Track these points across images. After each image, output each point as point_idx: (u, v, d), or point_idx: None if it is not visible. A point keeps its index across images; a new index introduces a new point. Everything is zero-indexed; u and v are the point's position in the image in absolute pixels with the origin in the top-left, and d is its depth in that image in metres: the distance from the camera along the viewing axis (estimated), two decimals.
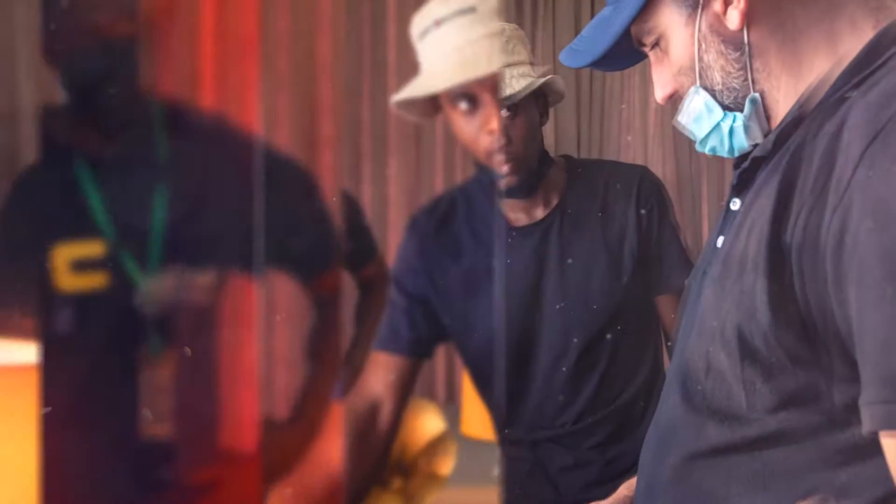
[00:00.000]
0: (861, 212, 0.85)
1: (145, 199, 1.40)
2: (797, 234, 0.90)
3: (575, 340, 1.59)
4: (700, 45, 1.00)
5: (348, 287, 1.77)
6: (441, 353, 2.33)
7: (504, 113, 1.52)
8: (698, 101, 1.02)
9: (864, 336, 0.85)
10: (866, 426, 0.86)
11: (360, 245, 1.84)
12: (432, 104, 1.53)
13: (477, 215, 1.61)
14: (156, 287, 1.41)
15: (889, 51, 0.94)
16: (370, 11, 2.21)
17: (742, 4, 0.97)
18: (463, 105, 1.48)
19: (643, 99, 1.99)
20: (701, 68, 1.01)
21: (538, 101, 1.58)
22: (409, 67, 1.56)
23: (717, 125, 1.02)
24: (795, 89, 0.99)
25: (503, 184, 1.56)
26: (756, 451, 0.95)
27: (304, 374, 1.49)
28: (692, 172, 2.04)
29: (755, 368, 0.93)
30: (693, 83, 1.02)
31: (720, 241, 1.01)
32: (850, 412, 0.89)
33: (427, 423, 2.08)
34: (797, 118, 0.97)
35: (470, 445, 2.09)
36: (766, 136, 1.01)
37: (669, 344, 1.49)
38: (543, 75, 1.56)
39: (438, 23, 1.47)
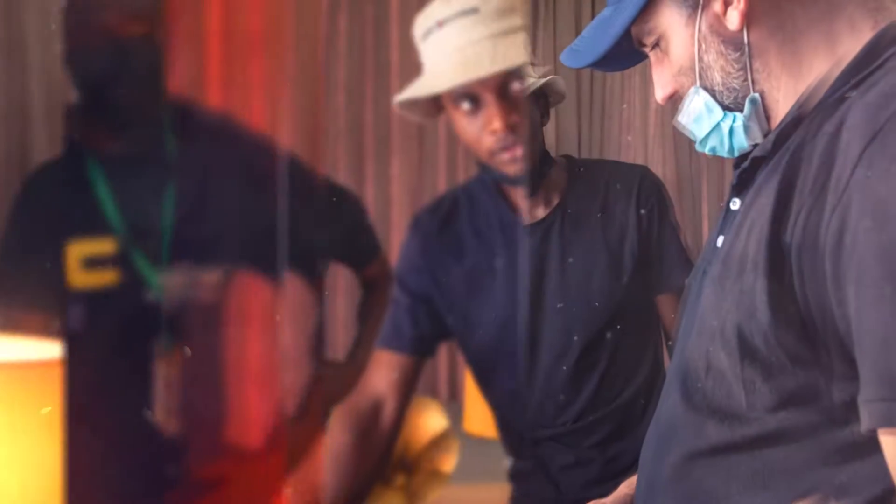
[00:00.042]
0: (860, 211, 0.85)
1: (156, 197, 1.40)
2: (797, 233, 0.90)
3: (576, 339, 1.57)
4: (700, 46, 1.00)
5: (352, 286, 1.80)
6: (444, 352, 2.34)
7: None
8: (698, 101, 1.02)
9: (863, 335, 0.85)
10: (865, 424, 0.86)
11: (364, 245, 1.85)
12: (435, 104, 1.53)
13: (480, 214, 1.61)
14: (168, 283, 1.42)
15: (888, 51, 0.94)
16: (373, 13, 2.22)
17: (742, 5, 0.97)
18: (465, 105, 1.47)
19: (643, 99, 1.99)
20: (701, 68, 1.01)
21: (539, 101, 1.55)
22: (412, 68, 1.56)
23: (717, 125, 1.02)
24: (795, 90, 0.98)
25: (514, 170, 1.52)
26: (756, 450, 0.95)
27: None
28: (692, 172, 2.04)
29: (755, 368, 0.93)
30: (693, 83, 1.02)
31: (720, 240, 1.01)
32: (849, 410, 0.88)
33: (430, 420, 2.08)
34: (796, 118, 0.97)
35: (472, 442, 2.09)
36: (765, 136, 1.00)
37: (670, 343, 1.48)
38: (544, 76, 1.54)
39: (441, 24, 1.47)
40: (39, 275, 1.44)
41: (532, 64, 1.54)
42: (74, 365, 1.23)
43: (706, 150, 1.05)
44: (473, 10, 1.45)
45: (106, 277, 1.41)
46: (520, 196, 1.58)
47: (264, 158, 1.53)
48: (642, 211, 1.56)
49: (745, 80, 0.99)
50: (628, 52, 1.08)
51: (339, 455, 1.62)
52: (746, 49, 0.98)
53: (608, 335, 1.57)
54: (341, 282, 1.97)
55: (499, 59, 1.43)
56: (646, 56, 1.08)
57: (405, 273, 1.63)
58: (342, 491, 1.60)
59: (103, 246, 1.41)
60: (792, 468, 0.93)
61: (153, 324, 1.45)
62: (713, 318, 0.96)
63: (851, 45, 0.96)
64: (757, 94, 0.99)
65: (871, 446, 0.87)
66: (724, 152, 1.04)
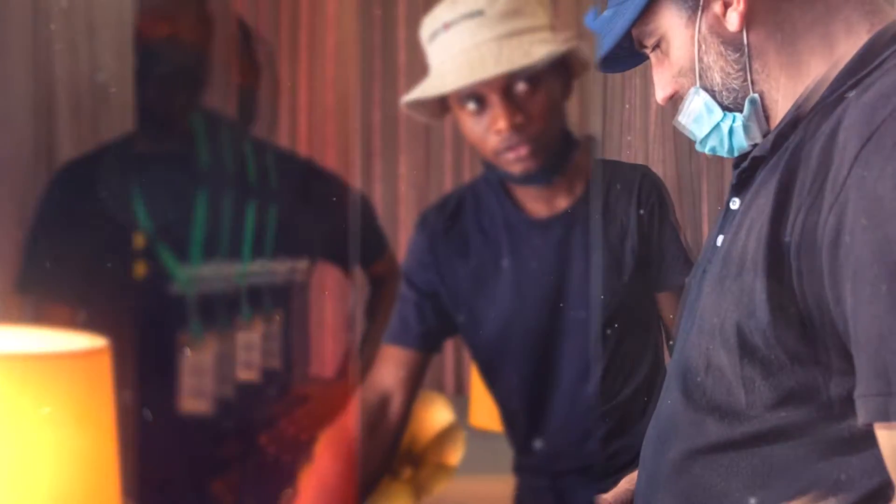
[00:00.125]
0: (856, 210, 0.85)
1: (184, 196, 1.46)
2: (796, 232, 0.89)
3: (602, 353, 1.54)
4: (700, 47, 1.00)
5: (360, 283, 1.82)
6: (450, 346, 2.33)
7: (522, 86, 1.44)
8: (698, 101, 1.01)
9: (859, 331, 0.85)
10: (861, 418, 0.86)
11: (371, 242, 1.86)
12: (441, 105, 1.53)
13: (485, 213, 1.60)
14: (198, 275, 1.49)
15: (884, 53, 0.94)
16: (381, 16, 2.21)
17: (741, 6, 0.97)
18: (471, 106, 1.47)
19: (644, 100, 1.98)
20: (701, 69, 1.00)
21: (560, 72, 1.49)
22: (419, 69, 1.55)
23: (717, 125, 1.01)
24: (794, 90, 0.98)
25: (519, 169, 1.48)
26: (755, 447, 0.94)
27: (363, 329, 1.80)
28: (692, 172, 2.03)
29: (754, 366, 0.92)
30: (693, 84, 1.01)
31: (720, 239, 1.01)
32: (846, 405, 0.88)
33: (436, 414, 2.08)
34: (795, 119, 0.97)
35: (478, 436, 2.09)
36: (765, 136, 1.00)
37: (671, 343, 1.47)
38: (567, 42, 1.47)
39: (447, 26, 1.46)
40: (67, 268, 1.48)
41: (553, 28, 1.47)
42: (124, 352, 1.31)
43: (706, 150, 1.05)
44: (479, 13, 1.45)
45: (137, 270, 1.50)
46: (527, 194, 1.56)
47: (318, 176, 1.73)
48: (642, 211, 1.53)
49: (745, 80, 0.99)
50: (629, 53, 1.07)
51: (328, 486, 1.60)
52: (746, 50, 0.98)
53: (609, 332, 1.54)
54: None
55: (503, 61, 1.43)
56: (646, 57, 1.07)
57: (412, 270, 1.63)
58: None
59: (135, 240, 1.50)
60: (791, 464, 0.93)
61: (179, 315, 1.51)
62: (713, 316, 0.96)
63: (848, 46, 0.96)
64: (756, 95, 0.99)
65: (868, 441, 0.87)
66: (723, 152, 1.03)
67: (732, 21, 0.97)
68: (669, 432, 1.02)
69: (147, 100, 1.48)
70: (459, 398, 2.37)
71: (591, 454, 1.55)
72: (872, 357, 0.84)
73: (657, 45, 1.03)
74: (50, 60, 1.65)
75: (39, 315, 1.57)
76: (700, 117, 1.02)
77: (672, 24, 1.01)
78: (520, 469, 1.63)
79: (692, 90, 1.02)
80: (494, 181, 1.58)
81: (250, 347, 1.59)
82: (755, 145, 1.01)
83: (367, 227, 1.87)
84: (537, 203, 1.56)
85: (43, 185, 1.62)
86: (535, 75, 1.44)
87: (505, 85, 1.45)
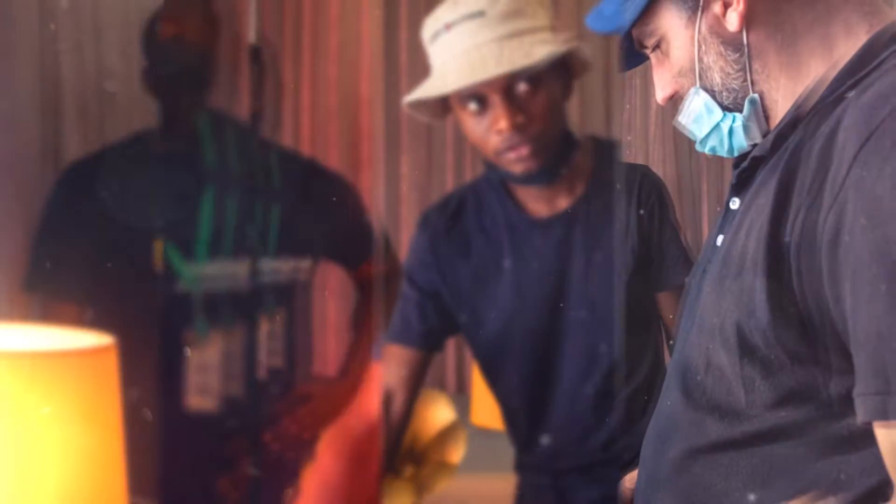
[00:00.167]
0: (855, 210, 0.85)
1: (190, 195, 1.49)
2: (795, 232, 0.89)
3: (603, 352, 1.52)
4: (700, 47, 0.99)
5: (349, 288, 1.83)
6: (451, 345, 2.33)
7: (523, 86, 1.44)
8: (698, 101, 1.01)
9: (858, 330, 0.85)
10: (860, 417, 0.86)
11: (360, 242, 1.86)
12: (442, 105, 1.53)
13: (486, 213, 1.59)
14: (203, 273, 1.52)
15: (883, 54, 0.93)
16: (382, 16, 2.21)
17: (741, 7, 0.96)
18: (472, 106, 1.47)
19: (644, 100, 1.97)
20: (701, 69, 1.00)
21: (561, 72, 1.48)
22: (421, 70, 1.56)
23: (717, 125, 1.01)
24: (793, 91, 0.98)
25: (520, 169, 1.48)
26: (755, 447, 0.94)
27: (348, 340, 1.74)
28: (692, 172, 2.02)
29: (754, 365, 0.92)
30: (693, 84, 1.01)
31: (720, 239, 1.01)
32: (846, 404, 0.88)
33: (438, 412, 2.08)
34: (795, 119, 0.96)
35: (480, 434, 2.09)
36: (764, 136, 1.00)
37: (671, 342, 1.46)
38: (567, 42, 1.46)
39: (448, 27, 1.46)
40: (74, 266, 1.51)
41: (553, 29, 1.47)
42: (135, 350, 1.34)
43: (706, 150, 1.04)
44: (480, 14, 1.45)
45: (153, 268, 1.54)
46: (528, 194, 1.55)
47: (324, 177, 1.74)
48: (642, 211, 1.51)
49: (745, 80, 0.99)
50: (629, 53, 1.07)
51: (330, 485, 1.61)
52: (746, 50, 0.98)
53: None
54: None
55: (504, 62, 1.43)
56: (647, 58, 1.07)
57: (414, 269, 1.62)
58: None
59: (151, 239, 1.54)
60: (790, 463, 0.93)
61: (185, 312, 1.53)
62: (713, 316, 0.96)
63: (847, 47, 0.96)
64: (756, 95, 0.99)
65: (867, 439, 0.87)
66: (723, 152, 1.03)
67: (732, 21, 0.97)
68: (669, 432, 1.02)
69: (154, 98, 1.52)
70: (461, 397, 2.36)
71: (592, 453, 1.53)
72: (871, 356, 0.84)
73: (657, 46, 1.03)
74: (56, 62, 1.66)
75: (46, 313, 1.59)
76: (700, 117, 1.02)
77: (672, 25, 1.01)
78: (521, 467, 1.62)
79: (692, 90, 1.01)
80: (496, 181, 1.57)
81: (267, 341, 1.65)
82: (755, 145, 1.00)
83: (357, 226, 1.87)
84: (538, 203, 1.55)
85: (49, 185, 1.64)
86: (535, 76, 1.44)
87: (506, 85, 1.45)
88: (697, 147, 1.06)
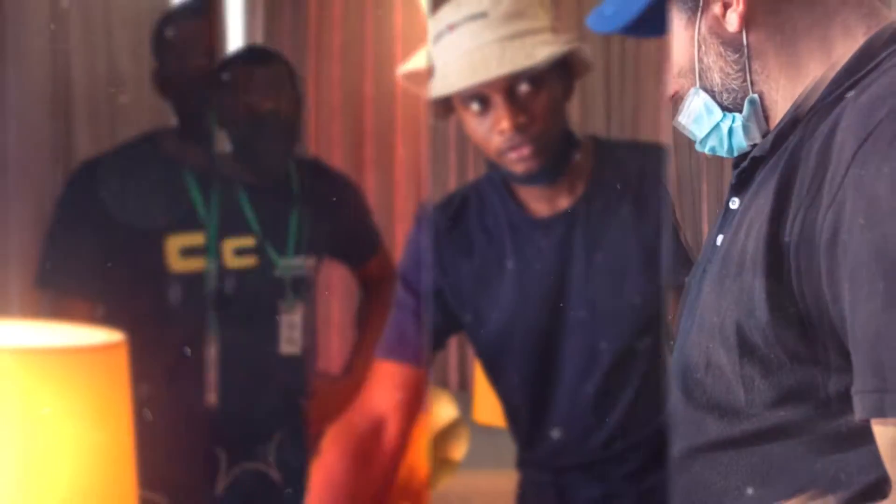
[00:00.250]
0: (853, 209, 0.84)
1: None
2: (795, 232, 0.89)
3: (603, 350, 1.44)
4: (700, 47, 0.99)
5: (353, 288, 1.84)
6: (453, 342, 2.30)
7: (524, 87, 1.42)
8: (698, 101, 1.01)
9: (857, 328, 0.84)
10: (858, 414, 0.85)
11: (363, 239, 1.87)
12: (445, 105, 1.52)
13: (488, 212, 1.59)
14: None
15: (881, 55, 0.93)
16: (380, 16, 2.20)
17: (741, 7, 0.96)
18: (474, 106, 1.46)
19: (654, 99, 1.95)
20: (700, 70, 1.00)
21: (561, 74, 1.47)
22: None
23: (717, 126, 1.01)
24: (793, 91, 0.97)
25: (522, 169, 1.46)
26: (755, 446, 0.94)
27: (352, 339, 1.86)
28: (692, 172, 2.02)
29: (754, 365, 0.92)
30: (693, 84, 1.01)
31: (719, 239, 1.00)
32: (844, 402, 0.88)
33: (440, 410, 2.05)
34: (794, 119, 0.96)
35: (482, 432, 2.08)
36: (764, 136, 0.99)
37: (672, 342, 1.41)
38: (568, 43, 1.45)
39: (451, 27, 1.46)
40: (85, 264, 1.59)
41: (554, 30, 1.46)
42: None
43: (706, 150, 1.04)
44: (482, 15, 1.44)
45: (198, 264, 1.68)
46: (529, 193, 1.54)
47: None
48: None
49: (744, 81, 0.98)
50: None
51: (335, 482, 1.49)
52: (745, 51, 0.97)
53: (642, 345, 1.44)
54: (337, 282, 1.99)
55: (506, 63, 1.42)
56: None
57: (410, 271, 1.57)
58: None
59: (196, 239, 1.69)
60: (790, 462, 0.92)
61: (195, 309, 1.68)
62: (713, 315, 0.95)
63: (846, 48, 0.95)
64: (756, 95, 0.98)
65: (865, 436, 0.86)
66: (723, 152, 1.03)
67: (732, 22, 0.97)
68: (670, 430, 1.02)
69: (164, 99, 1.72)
70: (463, 394, 2.34)
71: (593, 451, 1.48)
72: (869, 354, 0.83)
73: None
74: (67, 63, 1.68)
75: (57, 310, 1.60)
76: (700, 117, 1.01)
77: (672, 25, 1.00)
78: (523, 464, 1.58)
79: (692, 91, 1.01)
80: (497, 181, 1.57)
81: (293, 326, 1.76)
82: (755, 145, 1.00)
83: (359, 223, 1.87)
84: (539, 202, 1.54)
85: (61, 185, 1.66)
86: (537, 76, 1.43)
87: (508, 86, 1.44)
88: (697, 147, 1.05)
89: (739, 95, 0.99)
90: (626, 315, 1.46)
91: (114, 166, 1.63)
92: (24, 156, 1.61)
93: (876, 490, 0.88)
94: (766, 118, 0.99)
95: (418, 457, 1.73)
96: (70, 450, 1.02)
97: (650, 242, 1.45)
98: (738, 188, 1.01)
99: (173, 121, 1.73)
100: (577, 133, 1.54)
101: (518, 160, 1.47)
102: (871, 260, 0.83)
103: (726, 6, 0.97)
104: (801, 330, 0.89)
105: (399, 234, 1.99)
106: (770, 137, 0.97)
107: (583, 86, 1.55)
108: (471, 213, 1.59)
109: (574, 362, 1.50)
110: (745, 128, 0.99)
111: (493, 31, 1.43)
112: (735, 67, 0.98)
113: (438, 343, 1.62)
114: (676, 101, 1.03)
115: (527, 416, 1.56)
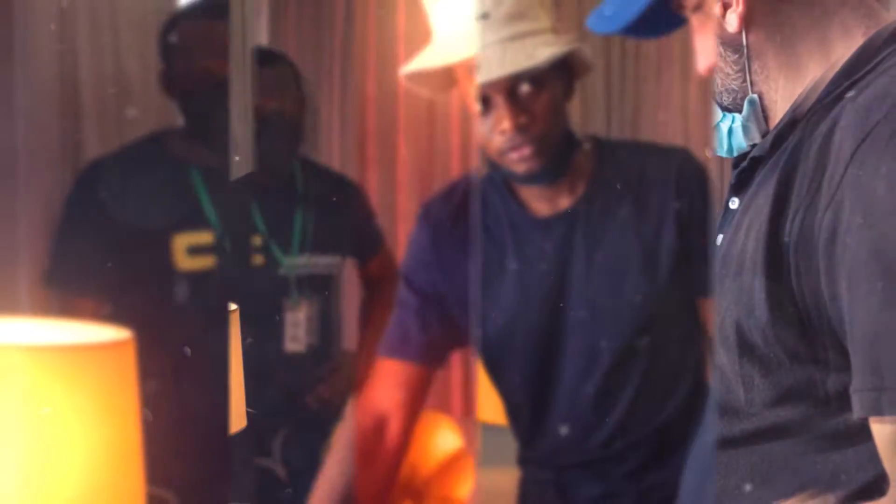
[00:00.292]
0: (852, 209, 0.84)
1: (288, 212, 1.81)
2: (794, 231, 0.89)
3: (604, 350, 1.43)
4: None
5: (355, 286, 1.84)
6: (457, 362, 2.19)
7: (525, 87, 1.42)
8: None
9: (855, 327, 0.84)
10: (856, 412, 0.85)
11: (365, 237, 1.88)
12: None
13: (489, 212, 1.58)
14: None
15: (879, 55, 0.93)
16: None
17: (741, 8, 0.96)
18: (476, 106, 1.47)
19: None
20: None
21: (562, 73, 1.47)
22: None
23: (716, 126, 1.01)
24: (792, 91, 0.97)
25: (523, 169, 1.46)
26: (754, 445, 0.94)
27: (357, 343, 1.85)
28: None
29: (753, 364, 0.92)
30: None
31: (719, 239, 1.00)
32: (843, 400, 0.88)
33: (441, 439, 1.92)
34: (793, 120, 0.96)
35: (483, 430, 2.06)
36: (763, 136, 0.99)
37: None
38: (569, 44, 1.45)
39: None
40: (93, 262, 1.58)
41: (555, 31, 1.45)
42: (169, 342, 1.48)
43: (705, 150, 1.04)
44: (484, 16, 1.45)
45: (206, 263, 1.66)
46: (530, 193, 1.53)
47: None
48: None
49: (744, 81, 0.98)
50: (662, 15, 1.01)
51: (337, 480, 1.50)
52: (745, 51, 0.97)
53: (642, 345, 1.42)
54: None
55: (507, 64, 1.42)
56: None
57: (413, 270, 1.56)
58: None
59: (204, 237, 1.67)
60: (789, 461, 0.93)
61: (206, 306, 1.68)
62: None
63: (844, 49, 0.95)
64: (755, 96, 0.98)
65: (863, 434, 0.86)
66: (722, 152, 1.03)
67: (731, 22, 0.97)
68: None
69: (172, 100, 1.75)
70: (468, 421, 2.23)
71: (593, 450, 1.47)
72: (867, 352, 0.84)
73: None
74: (75, 63, 1.69)
75: (65, 308, 1.61)
76: None
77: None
78: (524, 462, 1.57)
79: None
80: (498, 180, 1.57)
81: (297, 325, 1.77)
82: (754, 145, 1.00)
83: (362, 221, 1.87)
84: (540, 202, 1.53)
85: (69, 184, 1.67)
86: (538, 77, 1.43)
87: (509, 86, 1.44)
88: None
89: (739, 96, 0.99)
90: (627, 315, 1.45)
91: (121, 166, 1.65)
92: (31, 156, 1.62)
93: (875, 488, 0.88)
94: (766, 118, 0.99)
95: (420, 455, 1.72)
96: (78, 446, 1.02)
97: (650, 242, 1.44)
98: (738, 188, 1.00)
99: (180, 121, 1.74)
100: (578, 133, 1.53)
101: (519, 160, 1.46)
102: (869, 259, 0.83)
103: (726, 6, 0.96)
104: (801, 329, 0.89)
105: (401, 234, 1.98)
106: (769, 137, 0.97)
107: (583, 86, 1.55)
108: (470, 213, 1.58)
109: (574, 361, 1.49)
110: (745, 128, 0.99)
111: (495, 32, 1.43)
112: (735, 68, 0.98)
113: (438, 358, 1.57)
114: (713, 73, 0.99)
115: (527, 414, 1.55)
